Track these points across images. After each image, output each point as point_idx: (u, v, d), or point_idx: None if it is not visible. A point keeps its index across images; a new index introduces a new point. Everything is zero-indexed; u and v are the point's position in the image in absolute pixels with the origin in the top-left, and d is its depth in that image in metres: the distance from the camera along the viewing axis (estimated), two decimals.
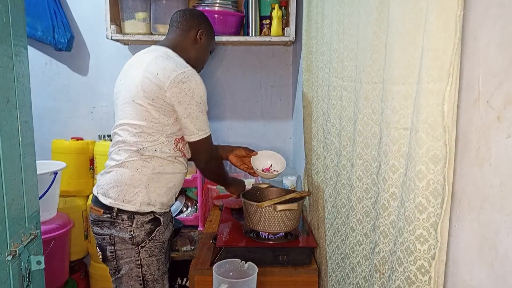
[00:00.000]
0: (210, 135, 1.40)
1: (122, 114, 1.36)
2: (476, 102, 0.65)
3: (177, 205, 2.19)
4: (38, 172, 1.22)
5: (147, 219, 1.33)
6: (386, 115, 0.89)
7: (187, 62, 1.40)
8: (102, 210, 1.33)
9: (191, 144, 1.39)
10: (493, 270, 0.61)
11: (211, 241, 1.64)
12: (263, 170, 1.68)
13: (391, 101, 0.86)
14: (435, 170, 0.70)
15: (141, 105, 1.30)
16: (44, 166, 1.94)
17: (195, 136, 1.36)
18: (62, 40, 2.26)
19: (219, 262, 1.26)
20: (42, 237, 1.28)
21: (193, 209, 2.22)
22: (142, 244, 1.32)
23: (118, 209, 1.31)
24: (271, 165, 1.70)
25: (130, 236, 1.31)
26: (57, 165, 2.02)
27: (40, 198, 1.80)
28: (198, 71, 1.46)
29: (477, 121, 0.65)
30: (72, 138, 2.32)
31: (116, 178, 1.33)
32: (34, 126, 1.16)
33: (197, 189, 2.14)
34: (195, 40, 1.47)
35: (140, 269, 1.33)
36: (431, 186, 0.71)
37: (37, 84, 2.38)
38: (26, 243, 1.09)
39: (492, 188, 0.61)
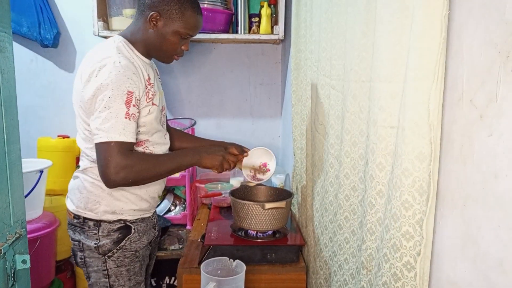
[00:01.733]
0: (117, 143, 1.09)
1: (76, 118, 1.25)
2: (460, 101, 0.66)
3: (165, 204, 2.18)
4: (24, 170, 1.20)
5: (115, 227, 1.23)
6: (374, 113, 0.90)
7: (148, 53, 1.24)
8: (72, 215, 1.26)
9: (95, 150, 1.14)
10: (475, 266, 0.62)
11: (199, 240, 1.64)
12: (260, 167, 1.52)
13: (378, 100, 0.87)
14: (420, 168, 0.71)
15: (76, 107, 1.20)
16: (30, 164, 1.90)
17: (95, 137, 1.11)
18: (48, 37, 2.23)
19: (207, 260, 1.27)
20: (28, 236, 1.26)
21: (181, 208, 2.21)
22: (109, 254, 1.22)
23: (84, 216, 1.23)
24: (267, 163, 1.53)
25: (96, 245, 1.22)
26: (43, 163, 1.99)
27: (26, 196, 1.77)
28: (168, 62, 1.30)
29: (460, 120, 0.66)
30: (58, 136, 2.29)
31: (79, 184, 1.25)
32: (19, 124, 1.14)
33: (185, 187, 2.14)
34: (147, 26, 1.20)
35: (108, 279, 1.24)
36: (416, 184, 0.72)
37: (22, 81, 2.34)
38: (11, 242, 1.07)
39: (474, 185, 0.62)
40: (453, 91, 0.68)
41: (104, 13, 2.09)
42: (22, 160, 1.18)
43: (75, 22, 2.35)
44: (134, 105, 1.12)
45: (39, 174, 1.90)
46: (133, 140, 1.14)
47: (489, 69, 0.59)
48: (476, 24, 0.62)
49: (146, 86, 1.18)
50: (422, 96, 0.70)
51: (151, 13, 1.18)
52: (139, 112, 1.16)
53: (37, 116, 2.41)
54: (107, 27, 2.10)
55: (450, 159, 0.69)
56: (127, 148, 1.12)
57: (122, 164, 1.10)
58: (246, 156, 1.45)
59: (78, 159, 2.26)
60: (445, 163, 0.70)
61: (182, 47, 1.26)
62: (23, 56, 2.35)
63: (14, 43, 2.23)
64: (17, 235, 1.11)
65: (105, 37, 2.10)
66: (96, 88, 1.09)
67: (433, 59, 0.68)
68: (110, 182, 1.12)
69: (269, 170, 1.50)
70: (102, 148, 1.10)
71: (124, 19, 2.09)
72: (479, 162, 0.62)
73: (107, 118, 1.09)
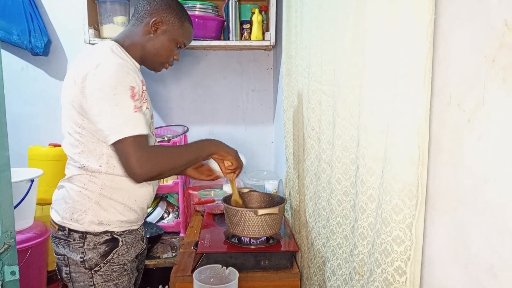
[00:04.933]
0: (134, 137, 1.08)
1: (62, 124, 1.22)
2: (448, 105, 0.66)
3: (158, 212, 2.17)
4: (14, 179, 1.19)
5: (101, 240, 1.19)
6: (364, 119, 0.90)
7: (141, 58, 1.25)
8: (57, 227, 1.22)
9: (114, 150, 1.13)
10: (467, 270, 0.62)
11: (192, 247, 1.63)
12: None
13: (368, 105, 0.87)
14: (410, 172, 0.71)
15: (66, 109, 1.17)
16: (20, 173, 1.89)
17: (109, 137, 1.08)
18: (39, 45, 2.22)
19: (200, 268, 1.26)
20: (18, 246, 1.24)
21: (174, 215, 2.20)
22: (96, 268, 1.19)
23: (69, 228, 1.19)
24: None
25: (82, 259, 1.18)
26: (34, 172, 1.98)
27: (16, 206, 1.76)
28: (159, 70, 1.32)
29: (449, 124, 0.66)
30: (49, 144, 2.27)
31: (64, 194, 1.21)
32: (10, 133, 1.13)
33: (178, 194, 2.13)
34: (148, 31, 1.23)
35: None
36: (406, 188, 0.72)
37: (13, 89, 2.33)
38: None
39: (464, 189, 0.62)
40: (441, 96, 0.68)
41: (95, 21, 2.09)
42: (13, 169, 1.17)
43: (66, 30, 2.35)
44: (137, 99, 1.11)
45: (29, 183, 1.88)
46: (147, 132, 1.12)
47: (476, 74, 0.59)
48: (463, 29, 0.63)
49: (141, 86, 1.18)
50: (410, 101, 0.71)
51: (154, 19, 1.22)
52: (141, 106, 1.14)
53: (28, 124, 2.40)
54: (98, 35, 2.10)
55: (440, 164, 0.69)
56: (144, 141, 1.11)
57: (144, 158, 1.09)
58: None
59: None
60: (434, 168, 0.71)
61: (174, 57, 1.31)
62: (14, 65, 2.33)
63: (4, 52, 2.23)
64: (6, 246, 1.09)
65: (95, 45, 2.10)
66: (98, 89, 1.07)
67: (420, 64, 0.69)
68: (137, 177, 1.10)
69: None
70: (121, 146, 1.08)
71: (115, 27, 2.09)
72: (468, 166, 0.62)
73: (117, 115, 1.07)
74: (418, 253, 0.72)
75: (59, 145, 2.28)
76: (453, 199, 0.66)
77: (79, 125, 1.15)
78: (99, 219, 1.19)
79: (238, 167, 1.35)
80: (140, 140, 1.09)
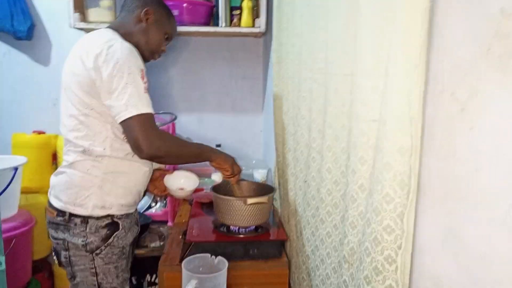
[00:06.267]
0: (147, 114, 1.13)
1: (61, 108, 1.23)
2: (441, 94, 0.66)
3: (146, 200, 2.14)
4: None
5: (102, 224, 1.22)
6: (355, 107, 0.89)
7: (134, 47, 1.24)
8: (55, 212, 1.22)
9: (122, 127, 1.16)
10: (457, 260, 0.62)
11: (180, 237, 1.61)
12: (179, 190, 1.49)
13: (360, 94, 0.86)
14: (401, 162, 0.71)
15: (72, 91, 1.17)
16: (4, 161, 1.85)
17: (123, 113, 1.11)
18: (22, 29, 2.14)
19: (189, 257, 1.25)
20: (3, 236, 1.21)
21: (162, 204, 2.18)
22: (97, 251, 1.22)
23: (70, 213, 1.20)
24: (183, 183, 1.50)
25: (83, 243, 1.20)
26: (18, 160, 1.93)
27: (0, 195, 1.72)
28: (149, 60, 1.34)
29: (442, 113, 0.66)
30: (33, 131, 2.22)
31: (66, 179, 1.22)
32: None
33: None
34: (140, 20, 1.29)
35: (95, 277, 1.23)
36: (398, 178, 0.72)
37: None
38: None
39: (456, 179, 0.62)
40: (435, 85, 0.68)
41: (80, 5, 2.02)
42: None
43: (50, 14, 2.27)
44: (145, 82, 1.17)
45: (13, 171, 1.84)
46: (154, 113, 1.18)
47: (471, 63, 0.59)
48: (459, 17, 0.62)
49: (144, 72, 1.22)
50: (403, 89, 0.70)
51: (146, 9, 1.28)
52: (148, 89, 1.19)
53: (11, 111, 2.33)
54: (84, 18, 2.04)
55: (432, 153, 0.69)
56: (154, 121, 1.17)
57: (156, 135, 1.15)
58: (170, 173, 1.48)
59: (54, 155, 2.21)
60: (426, 157, 0.70)
61: (162, 48, 1.37)
62: None
63: None
64: None
65: (81, 29, 2.04)
66: (112, 67, 1.11)
67: (414, 52, 0.68)
68: (144, 152, 1.14)
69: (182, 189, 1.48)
70: (133, 122, 1.12)
71: (101, 11, 2.04)
72: (460, 156, 0.61)
73: (132, 93, 1.11)
74: (409, 242, 0.73)
75: (44, 133, 2.24)
76: (445, 189, 0.65)
77: (87, 105, 1.16)
78: (102, 203, 1.22)
79: (234, 173, 1.44)
80: (152, 119, 1.16)
